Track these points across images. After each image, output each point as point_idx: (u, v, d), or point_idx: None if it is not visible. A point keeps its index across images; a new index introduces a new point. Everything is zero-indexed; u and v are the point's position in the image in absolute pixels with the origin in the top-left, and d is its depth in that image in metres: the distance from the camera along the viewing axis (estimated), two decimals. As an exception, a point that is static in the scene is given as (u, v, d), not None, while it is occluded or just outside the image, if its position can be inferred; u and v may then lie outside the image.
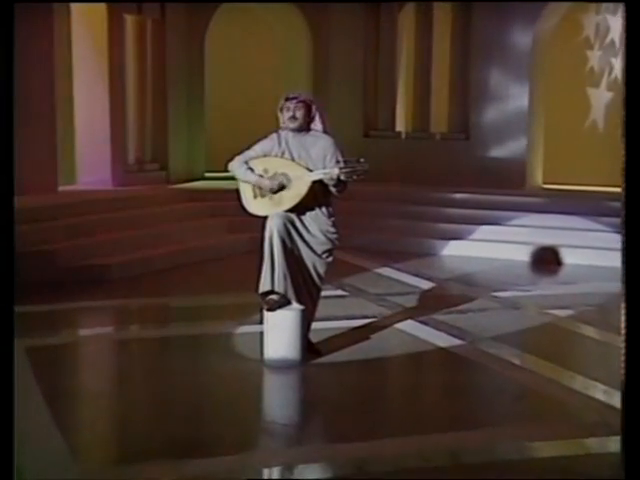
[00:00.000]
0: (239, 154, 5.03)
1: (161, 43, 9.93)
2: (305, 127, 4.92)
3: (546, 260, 8.38)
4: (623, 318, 2.19)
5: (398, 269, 7.98)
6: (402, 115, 11.26)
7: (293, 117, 4.87)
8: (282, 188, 4.85)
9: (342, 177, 4.74)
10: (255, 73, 12.09)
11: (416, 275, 7.69)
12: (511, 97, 10.35)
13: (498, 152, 10.50)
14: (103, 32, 9.31)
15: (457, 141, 10.69)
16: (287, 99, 4.91)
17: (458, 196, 9.69)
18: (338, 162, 4.80)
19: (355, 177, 4.72)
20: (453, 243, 8.91)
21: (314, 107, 4.96)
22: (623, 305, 2.20)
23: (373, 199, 9.67)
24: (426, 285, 7.27)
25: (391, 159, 10.63)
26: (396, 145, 10.97)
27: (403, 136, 11.17)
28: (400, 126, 11.26)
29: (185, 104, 10.43)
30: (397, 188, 10.10)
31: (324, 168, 4.83)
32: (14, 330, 2.68)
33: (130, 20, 9.63)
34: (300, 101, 4.89)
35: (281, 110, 4.92)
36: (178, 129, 10.37)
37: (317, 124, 4.94)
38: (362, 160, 4.75)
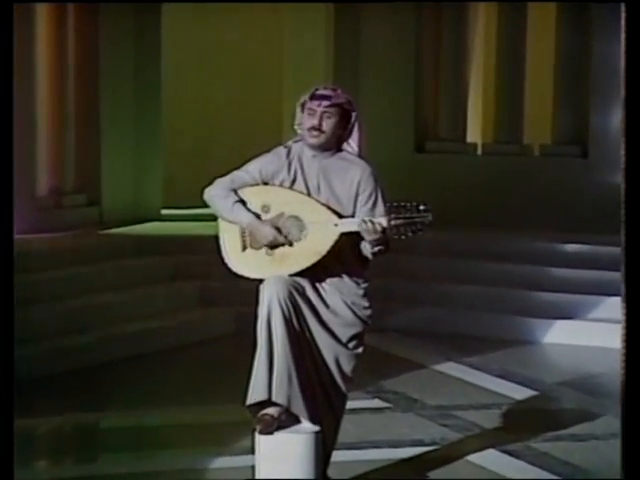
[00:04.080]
0: (223, 176, 4.97)
1: (90, 31, 10.25)
2: (334, 145, 4.92)
3: None
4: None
5: (471, 365, 8.03)
6: (477, 119, 11.38)
7: (317, 129, 4.83)
8: (289, 244, 4.82)
9: (389, 232, 4.71)
10: (244, 66, 12.32)
11: (501, 376, 7.73)
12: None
13: (634, 176, 10.62)
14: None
15: (568, 158, 10.82)
16: (313, 96, 4.86)
17: (570, 247, 9.79)
18: (387, 208, 4.73)
19: (410, 234, 4.72)
20: (563, 324, 8.97)
21: (354, 115, 4.92)
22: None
23: (429, 252, 9.74)
24: (518, 393, 7.31)
25: (459, 186, 10.77)
26: (468, 164, 11.10)
27: (479, 150, 11.32)
28: (474, 135, 11.38)
29: (131, 111, 10.70)
30: (469, 234, 10.23)
31: (353, 212, 4.85)
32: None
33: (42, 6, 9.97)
34: (334, 105, 4.84)
35: (302, 109, 4.89)
36: (118, 145, 10.58)
37: (353, 143, 4.93)
38: (422, 207, 4.71)
